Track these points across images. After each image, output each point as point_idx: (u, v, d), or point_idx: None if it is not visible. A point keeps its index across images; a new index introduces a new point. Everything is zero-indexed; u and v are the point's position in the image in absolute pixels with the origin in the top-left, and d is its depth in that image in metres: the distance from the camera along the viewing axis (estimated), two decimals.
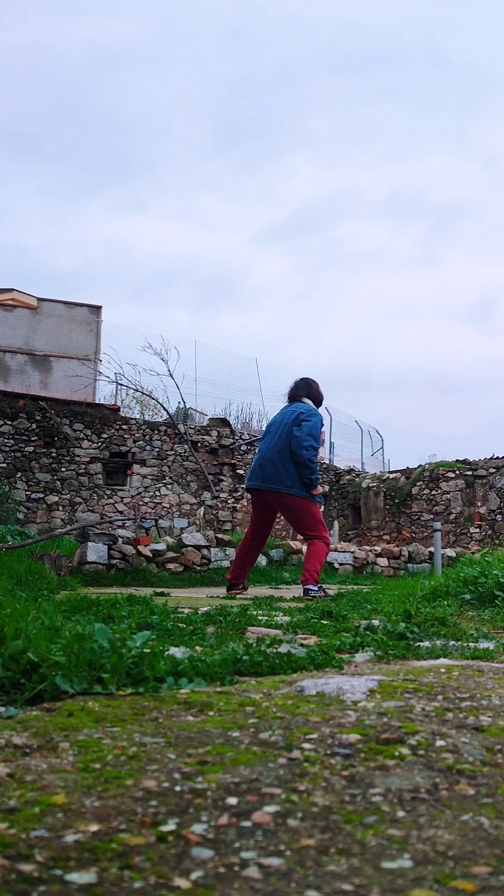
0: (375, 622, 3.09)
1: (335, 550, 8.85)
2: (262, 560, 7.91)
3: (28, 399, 14.50)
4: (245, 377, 21.59)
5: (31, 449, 14.06)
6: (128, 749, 1.15)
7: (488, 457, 14.80)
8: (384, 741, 1.19)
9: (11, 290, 20.32)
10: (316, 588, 5.37)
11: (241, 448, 16.04)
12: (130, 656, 1.68)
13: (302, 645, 2.43)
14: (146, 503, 14.92)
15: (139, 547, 7.24)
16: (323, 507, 16.47)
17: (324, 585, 5.77)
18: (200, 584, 7.18)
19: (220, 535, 8.07)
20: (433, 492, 14.97)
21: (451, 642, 2.56)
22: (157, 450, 15.22)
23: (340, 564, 8.61)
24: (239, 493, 15.52)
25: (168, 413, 16.32)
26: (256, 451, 5.94)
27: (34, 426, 14.16)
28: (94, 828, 0.87)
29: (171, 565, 7.35)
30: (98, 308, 21.03)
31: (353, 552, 8.83)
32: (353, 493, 16.79)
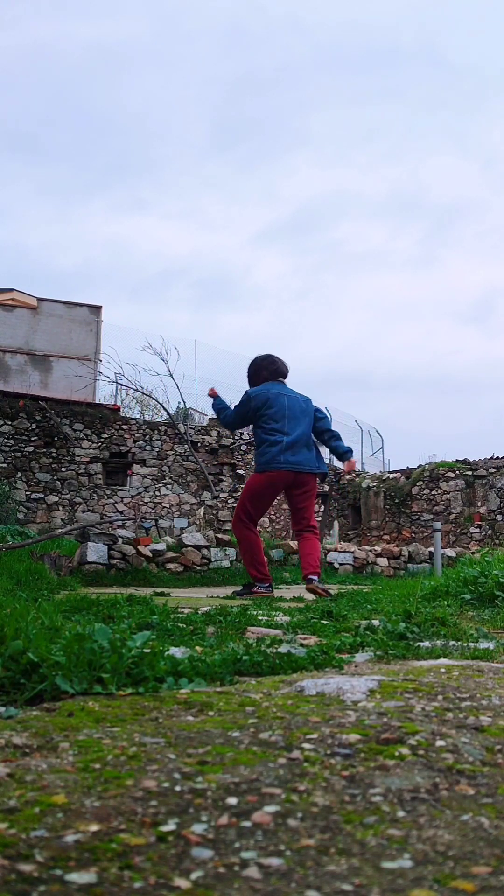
0: (375, 622, 3.09)
1: (335, 550, 8.85)
2: None
3: (28, 399, 14.50)
4: (245, 377, 21.57)
5: (31, 449, 14.06)
6: (128, 749, 1.15)
7: (488, 457, 14.81)
8: (384, 741, 1.19)
9: (11, 290, 20.32)
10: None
11: (241, 448, 16.04)
12: (130, 656, 1.68)
13: (302, 645, 2.43)
14: (146, 503, 14.92)
15: (139, 547, 7.25)
16: (323, 507, 16.49)
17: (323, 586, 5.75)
18: (200, 584, 7.18)
19: (220, 536, 8.08)
20: (433, 492, 14.97)
21: (451, 642, 2.56)
22: (157, 450, 15.22)
23: (340, 564, 8.61)
24: (239, 493, 15.51)
25: (168, 413, 16.32)
26: (275, 438, 5.83)
27: (34, 426, 14.16)
28: (94, 828, 0.87)
29: (171, 565, 7.35)
30: (98, 308, 21.03)
31: (353, 552, 8.83)
32: (353, 493, 16.79)
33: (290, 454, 5.73)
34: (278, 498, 6.74)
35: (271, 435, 5.74)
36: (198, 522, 14.68)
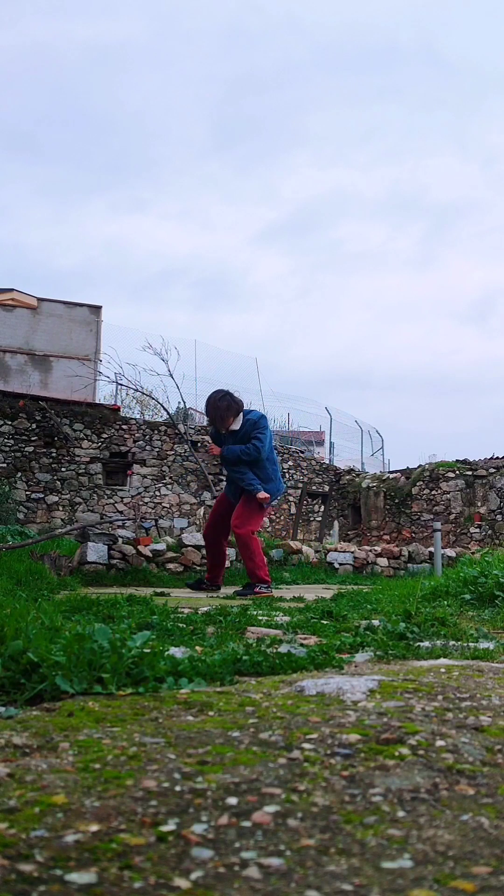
0: (375, 622, 3.09)
1: (335, 550, 8.85)
2: None
3: (28, 399, 14.49)
4: (245, 377, 21.57)
5: (31, 449, 14.06)
6: (128, 749, 1.15)
7: (488, 457, 14.80)
8: (384, 741, 1.19)
9: (11, 290, 20.31)
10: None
11: None
12: (130, 656, 1.68)
13: (302, 645, 2.43)
14: (146, 503, 14.92)
15: (139, 547, 7.24)
16: (323, 507, 16.49)
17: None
18: None
19: None
20: (433, 492, 14.97)
21: (451, 642, 2.56)
22: (157, 450, 15.22)
23: (340, 564, 8.61)
24: None
25: (168, 413, 16.32)
26: (269, 453, 6.24)
27: (34, 426, 14.16)
28: (94, 828, 0.87)
29: (171, 565, 7.34)
30: (98, 308, 21.02)
31: (353, 552, 8.83)
32: (353, 493, 16.78)
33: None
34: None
35: (276, 462, 6.21)
36: (198, 522, 14.68)
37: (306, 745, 1.18)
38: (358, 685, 1.56)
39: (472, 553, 9.37)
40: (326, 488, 16.70)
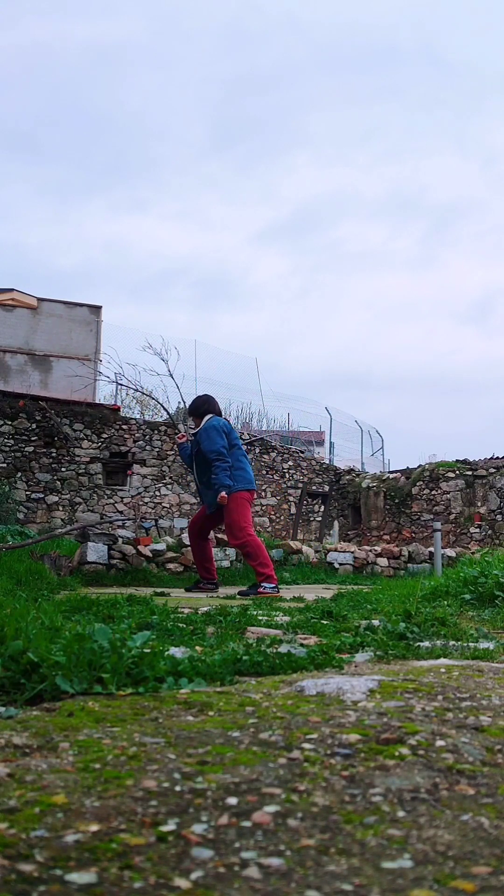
0: (375, 622, 3.09)
1: (335, 550, 8.85)
2: None
3: (28, 399, 14.49)
4: (245, 377, 21.56)
5: (31, 449, 14.06)
6: (128, 749, 1.15)
7: (488, 457, 14.80)
8: (384, 741, 1.19)
9: (11, 290, 20.30)
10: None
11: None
12: (130, 656, 1.68)
13: (302, 645, 2.43)
14: (146, 503, 14.92)
15: (139, 547, 7.24)
16: (323, 507, 16.48)
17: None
18: None
19: (219, 535, 8.07)
20: (433, 492, 14.97)
21: (451, 642, 2.56)
22: (157, 450, 15.22)
23: (340, 564, 8.61)
24: None
25: (168, 413, 16.31)
26: (241, 452, 6.51)
27: (34, 426, 14.16)
28: (94, 828, 0.87)
29: (171, 565, 7.34)
30: (98, 308, 21.01)
31: (353, 552, 8.83)
32: (353, 493, 16.78)
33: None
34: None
35: (244, 460, 6.43)
36: None
37: (306, 745, 1.18)
38: (358, 685, 1.56)
39: (472, 553, 9.37)
40: (326, 488, 16.69)
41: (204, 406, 6.49)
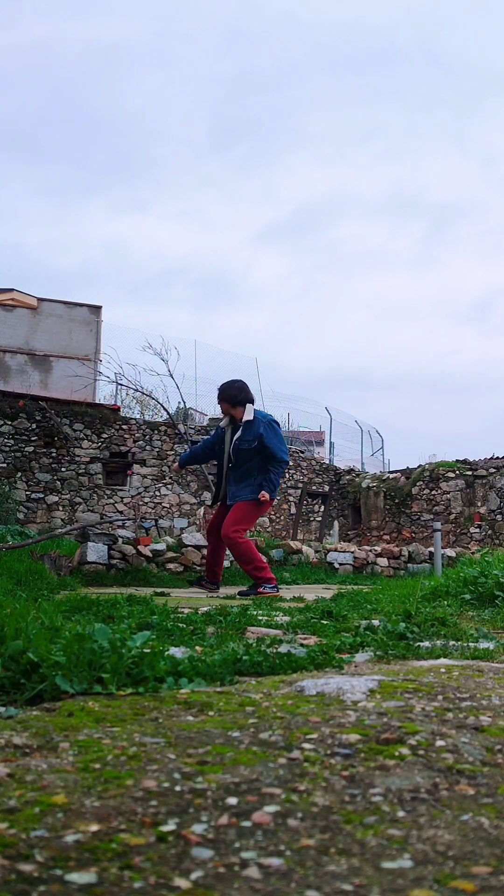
0: (375, 622, 3.09)
1: (335, 550, 8.85)
2: None
3: (28, 399, 14.49)
4: (245, 377, 21.44)
5: (31, 449, 14.06)
6: (128, 749, 1.15)
7: (488, 457, 14.80)
8: (384, 741, 1.19)
9: (11, 290, 20.31)
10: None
11: None
12: (130, 656, 1.68)
13: (302, 645, 2.43)
14: (146, 503, 14.92)
15: (139, 547, 7.24)
16: (323, 507, 16.49)
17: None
18: None
19: None
20: (433, 492, 14.97)
21: (451, 642, 2.56)
22: (157, 450, 15.21)
23: (340, 564, 8.61)
24: None
25: (168, 413, 16.32)
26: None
27: (34, 426, 14.16)
28: (94, 828, 0.87)
29: (171, 565, 7.34)
30: (98, 308, 21.02)
31: (353, 552, 8.83)
32: (353, 493, 16.78)
33: None
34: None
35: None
36: (198, 522, 14.68)
37: (306, 745, 1.18)
38: (358, 685, 1.56)
39: (472, 553, 9.37)
40: (326, 488, 16.69)
41: (241, 394, 5.81)
